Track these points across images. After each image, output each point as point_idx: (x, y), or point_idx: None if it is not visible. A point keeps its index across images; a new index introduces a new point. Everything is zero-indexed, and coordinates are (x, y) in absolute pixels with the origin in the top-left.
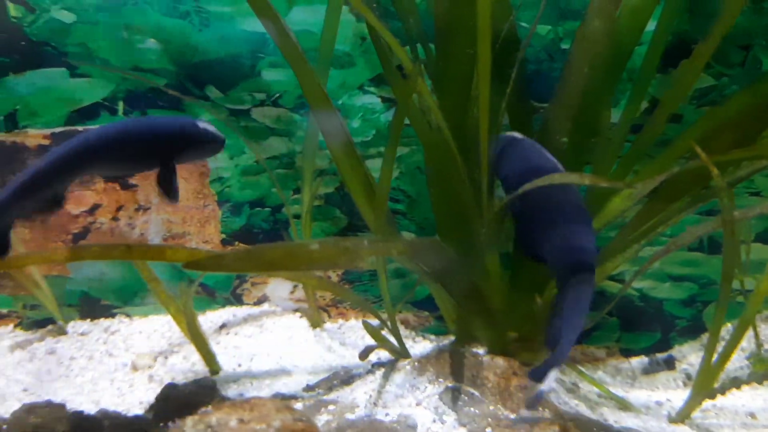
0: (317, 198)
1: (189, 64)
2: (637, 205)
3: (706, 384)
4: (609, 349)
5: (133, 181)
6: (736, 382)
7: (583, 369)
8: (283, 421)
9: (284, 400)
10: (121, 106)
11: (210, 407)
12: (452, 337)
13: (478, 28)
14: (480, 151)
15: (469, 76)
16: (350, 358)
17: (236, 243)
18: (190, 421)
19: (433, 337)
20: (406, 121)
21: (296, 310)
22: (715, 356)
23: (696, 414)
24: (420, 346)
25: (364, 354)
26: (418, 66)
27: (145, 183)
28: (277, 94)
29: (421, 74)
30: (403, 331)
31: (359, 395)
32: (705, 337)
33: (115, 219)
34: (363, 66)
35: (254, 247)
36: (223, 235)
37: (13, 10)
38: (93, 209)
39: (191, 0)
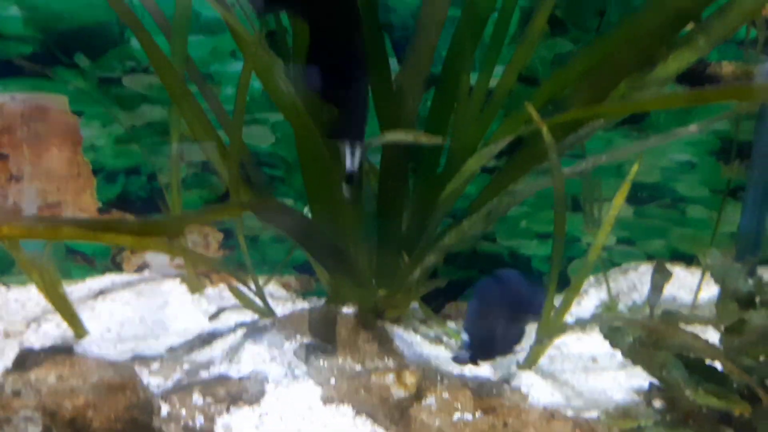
0: (193, 165)
1: (56, 32)
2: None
3: (548, 330)
4: None
5: (3, 150)
6: (579, 323)
7: (452, 324)
8: (101, 376)
9: (141, 360)
10: None
11: None
12: None
13: None
14: None
15: None
16: (228, 321)
17: (113, 211)
18: (10, 378)
19: (315, 299)
20: None
21: (177, 276)
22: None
23: (543, 360)
24: (298, 308)
25: (214, 316)
26: (258, 34)
27: (17, 152)
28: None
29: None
30: (284, 293)
31: (217, 353)
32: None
33: None
34: None
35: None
36: (100, 204)
37: None
38: None
39: None
